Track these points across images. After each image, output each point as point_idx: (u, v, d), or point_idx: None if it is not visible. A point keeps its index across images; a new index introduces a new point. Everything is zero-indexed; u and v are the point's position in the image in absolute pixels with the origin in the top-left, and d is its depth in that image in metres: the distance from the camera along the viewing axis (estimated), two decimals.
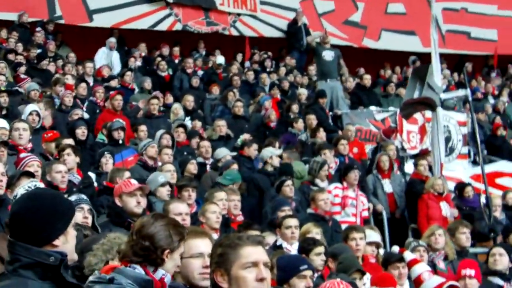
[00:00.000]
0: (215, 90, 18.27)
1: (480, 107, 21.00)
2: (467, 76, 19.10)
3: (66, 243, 3.90)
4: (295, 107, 16.82)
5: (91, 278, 4.23)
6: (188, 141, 14.28)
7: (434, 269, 9.65)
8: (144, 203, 7.86)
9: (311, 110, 16.64)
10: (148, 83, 17.46)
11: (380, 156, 14.04)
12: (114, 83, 17.27)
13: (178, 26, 22.80)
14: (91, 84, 16.90)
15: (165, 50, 21.27)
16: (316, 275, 7.13)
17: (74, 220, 4.03)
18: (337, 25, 24.97)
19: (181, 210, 7.90)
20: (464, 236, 10.85)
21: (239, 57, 22.67)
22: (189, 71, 19.40)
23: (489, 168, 15.74)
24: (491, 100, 22.74)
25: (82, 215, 7.39)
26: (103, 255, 5.12)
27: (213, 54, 22.13)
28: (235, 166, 12.27)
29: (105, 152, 11.44)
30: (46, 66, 17.42)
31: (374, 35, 25.70)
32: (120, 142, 12.59)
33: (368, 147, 16.39)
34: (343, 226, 10.97)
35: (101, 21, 21.67)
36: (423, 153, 15.47)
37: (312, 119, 15.85)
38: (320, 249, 8.01)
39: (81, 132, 12.62)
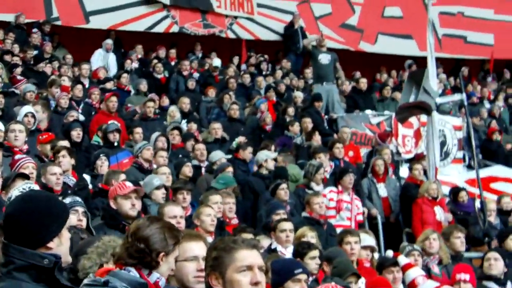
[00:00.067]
0: (211, 92, 18.27)
1: (476, 111, 21.01)
2: (463, 80, 19.12)
3: (60, 246, 3.92)
4: (291, 110, 16.82)
5: (85, 281, 4.22)
6: (183, 143, 14.28)
7: (428, 274, 9.65)
8: (139, 205, 7.84)
9: (306, 113, 16.63)
10: (144, 85, 17.45)
11: (375, 160, 14.04)
12: (109, 85, 17.26)
13: (175, 28, 22.82)
14: (87, 86, 16.87)
15: (162, 52, 21.29)
16: (310, 279, 7.14)
17: (69, 223, 4.03)
18: (334, 28, 25.00)
19: (175, 213, 7.89)
20: (459, 240, 10.86)
21: (236, 59, 22.66)
22: (185, 73, 19.41)
23: (484, 173, 15.73)
24: (487, 105, 22.74)
25: (77, 218, 7.39)
26: (97, 258, 5.11)
27: (209, 56, 22.14)
28: (230, 169, 12.26)
29: (101, 154, 11.41)
30: (42, 68, 17.39)
31: (370, 39, 25.74)
32: (116, 144, 12.58)
33: (363, 151, 16.38)
34: (338, 230, 10.97)
35: (98, 22, 21.68)
36: (418, 158, 15.46)
37: (308, 123, 15.84)
38: (315, 252, 8.01)
39: (77, 134, 12.60)
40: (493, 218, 13.37)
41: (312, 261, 7.92)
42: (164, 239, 4.36)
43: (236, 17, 23.71)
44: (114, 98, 14.50)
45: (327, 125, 17.46)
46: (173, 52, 21.54)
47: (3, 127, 10.80)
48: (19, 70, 16.19)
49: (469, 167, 17.18)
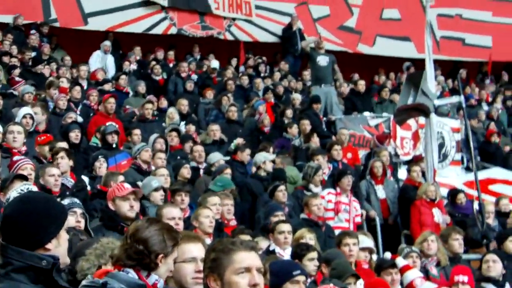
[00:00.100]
0: (209, 94, 18.28)
1: (474, 113, 21.02)
2: (461, 82, 19.13)
3: (59, 247, 3.91)
4: (289, 112, 16.82)
5: (84, 283, 4.23)
6: (182, 145, 14.28)
7: (427, 275, 9.67)
8: (137, 207, 7.84)
9: (305, 115, 16.64)
10: (142, 87, 17.43)
11: (374, 162, 14.05)
12: (108, 86, 17.27)
13: (173, 30, 22.81)
14: (85, 87, 16.88)
15: (160, 54, 21.28)
16: (309, 280, 7.12)
17: (67, 224, 4.03)
18: (332, 30, 25.00)
19: (174, 214, 7.91)
20: (457, 242, 10.87)
21: (234, 61, 22.66)
22: (183, 75, 19.40)
23: (482, 175, 15.74)
24: (485, 107, 22.75)
25: (75, 219, 7.39)
26: (95, 260, 5.11)
27: (207, 58, 22.14)
28: (228, 171, 12.26)
29: (99, 156, 11.43)
30: (41, 70, 17.38)
31: (369, 41, 25.74)
32: (114, 146, 12.60)
33: (362, 153, 16.38)
34: (336, 232, 10.98)
35: (96, 24, 21.67)
36: (416, 159, 15.48)
37: (306, 124, 15.85)
38: (313, 254, 8.01)
39: (75, 135, 12.60)
40: (491, 220, 13.38)
41: (311, 263, 7.92)
42: (163, 240, 4.36)
43: (234, 19, 23.71)
44: (112, 100, 14.49)
45: (325, 127, 17.47)
46: (171, 54, 21.53)
47: (1, 129, 10.80)
48: (17, 71, 16.17)
49: (468, 169, 17.19)
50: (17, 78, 15.81)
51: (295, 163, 14.34)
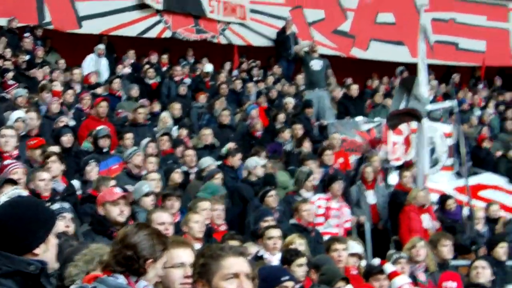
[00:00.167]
0: (202, 98, 18.27)
1: (466, 118, 21.05)
2: (454, 87, 19.17)
3: (47, 252, 3.92)
4: (281, 117, 16.83)
5: (72, 287, 4.24)
6: (173, 149, 14.29)
7: (415, 281, 9.67)
8: (127, 212, 7.81)
9: (297, 119, 16.66)
10: (135, 91, 17.40)
11: (365, 167, 14.06)
12: (100, 90, 17.25)
13: (168, 34, 22.82)
14: (78, 91, 16.86)
15: (154, 58, 21.24)
16: (297, 286, 7.14)
17: (56, 229, 4.05)
18: (326, 34, 25.04)
19: (164, 219, 7.86)
20: (446, 248, 10.85)
21: (227, 65, 22.66)
22: (177, 79, 19.39)
23: (473, 181, 15.75)
24: (477, 112, 22.79)
25: (64, 224, 7.40)
26: (84, 266, 5.10)
27: (201, 62, 22.13)
28: (219, 176, 12.27)
29: (90, 160, 11.43)
30: (34, 74, 17.36)
31: (362, 45, 25.77)
32: (106, 150, 12.60)
33: (353, 158, 16.38)
34: (326, 237, 10.98)
35: (90, 27, 21.67)
36: (408, 165, 15.49)
37: (298, 129, 15.86)
38: (302, 260, 8.03)
39: (67, 139, 12.61)
40: (481, 226, 13.40)
41: (299, 269, 7.94)
42: (152, 246, 4.38)
43: (228, 23, 23.73)
44: (104, 104, 14.50)
45: (317, 132, 17.48)
46: (165, 57, 21.50)
47: None
48: (10, 74, 16.15)
49: (459, 174, 17.22)
50: (9, 82, 15.80)
51: (287, 168, 14.35)
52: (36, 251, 3.86)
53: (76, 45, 21.66)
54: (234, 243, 8.08)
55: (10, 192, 6.87)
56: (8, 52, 17.95)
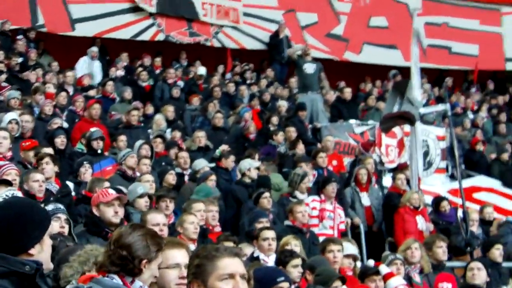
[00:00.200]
0: (196, 101, 18.28)
1: (459, 122, 21.10)
2: (447, 90, 19.20)
3: (42, 252, 3.90)
4: (275, 119, 16.85)
5: (68, 287, 4.23)
6: (167, 151, 14.29)
7: (410, 283, 9.69)
8: (121, 212, 7.81)
9: (290, 122, 16.68)
10: (128, 93, 17.41)
11: (359, 170, 14.08)
12: (93, 92, 17.25)
13: (161, 37, 22.80)
14: (71, 93, 16.85)
15: (147, 60, 21.25)
16: (293, 287, 7.14)
17: (51, 229, 4.03)
18: (320, 38, 25.03)
19: (158, 220, 7.88)
20: (441, 250, 10.89)
21: (221, 68, 22.66)
22: (170, 81, 19.40)
23: (467, 183, 15.80)
24: (470, 115, 22.84)
25: (59, 225, 7.39)
26: (79, 266, 5.10)
27: (193, 65, 22.12)
28: (213, 178, 12.30)
29: (84, 162, 11.43)
30: (27, 77, 17.33)
31: (356, 48, 25.77)
32: (99, 151, 12.59)
33: (347, 160, 16.40)
34: (321, 239, 10.99)
35: (83, 30, 21.63)
36: (401, 167, 15.52)
37: (292, 132, 15.88)
38: (297, 261, 8.02)
39: (60, 141, 12.60)
40: (475, 228, 13.40)
41: (295, 269, 7.93)
42: (146, 246, 4.37)
43: (221, 26, 23.72)
44: (96, 106, 14.51)
45: (311, 134, 17.50)
46: (158, 60, 21.50)
47: None
48: (3, 76, 16.13)
49: (452, 177, 17.26)
50: (2, 84, 15.76)
51: (281, 170, 14.36)
52: (31, 251, 3.84)
53: (69, 47, 21.63)
54: (228, 244, 8.07)
55: (4, 193, 6.85)
56: (1, 55, 17.91)
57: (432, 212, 14.00)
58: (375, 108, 19.97)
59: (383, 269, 8.86)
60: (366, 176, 13.95)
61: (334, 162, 15.67)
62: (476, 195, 16.20)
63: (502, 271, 11.32)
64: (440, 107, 17.39)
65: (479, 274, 9.75)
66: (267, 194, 11.76)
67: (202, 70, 20.69)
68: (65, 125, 14.29)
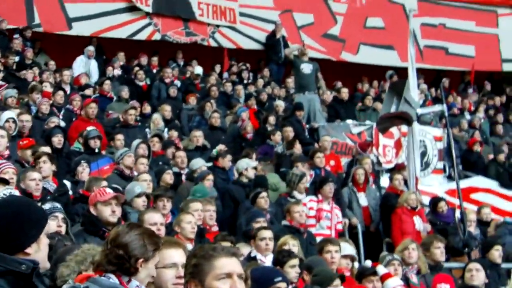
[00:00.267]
0: (193, 100, 18.28)
1: (456, 122, 21.10)
2: (444, 91, 19.22)
3: (39, 251, 3.90)
4: (272, 119, 16.84)
5: (65, 287, 4.21)
6: (164, 151, 14.27)
7: (407, 283, 9.67)
8: (119, 212, 7.78)
9: (287, 122, 16.66)
10: (125, 92, 17.42)
11: (356, 170, 14.08)
12: (89, 91, 17.23)
13: (157, 36, 22.80)
14: (68, 92, 16.84)
15: (144, 60, 21.28)
16: (290, 287, 7.12)
17: (47, 228, 4.02)
18: (316, 38, 25.04)
19: (156, 220, 7.86)
20: (439, 250, 10.87)
21: (217, 68, 22.66)
22: (167, 81, 19.41)
23: (464, 184, 15.80)
24: (467, 116, 22.85)
25: (56, 224, 7.36)
26: (76, 266, 5.07)
27: (190, 64, 22.13)
28: (210, 177, 12.29)
29: (82, 161, 11.40)
30: (24, 76, 17.32)
31: (352, 49, 25.79)
32: (96, 150, 12.56)
33: (344, 161, 16.41)
34: (318, 239, 10.98)
35: (80, 29, 21.64)
36: (399, 168, 15.51)
37: (289, 131, 15.87)
38: (295, 261, 8.01)
39: (58, 140, 12.58)
40: (473, 229, 13.42)
41: (292, 270, 7.92)
42: (143, 245, 4.36)
43: (218, 26, 23.72)
44: (93, 105, 14.50)
45: (308, 135, 17.49)
46: (155, 59, 21.54)
47: None
48: (0, 75, 16.11)
49: (449, 177, 17.25)
50: (0, 82, 15.75)
51: (279, 169, 14.35)
52: (28, 250, 3.84)
53: (66, 46, 21.65)
54: (226, 244, 8.05)
55: (2, 192, 6.83)
56: None
57: (429, 213, 14.00)
58: (372, 108, 19.98)
59: (381, 269, 8.84)
60: (364, 176, 13.94)
61: (332, 162, 15.67)
62: (473, 196, 16.21)
63: (501, 272, 11.30)
64: (437, 107, 17.40)
65: (477, 275, 9.73)
66: (264, 194, 11.75)
67: (199, 69, 20.70)
68: (62, 124, 14.28)
